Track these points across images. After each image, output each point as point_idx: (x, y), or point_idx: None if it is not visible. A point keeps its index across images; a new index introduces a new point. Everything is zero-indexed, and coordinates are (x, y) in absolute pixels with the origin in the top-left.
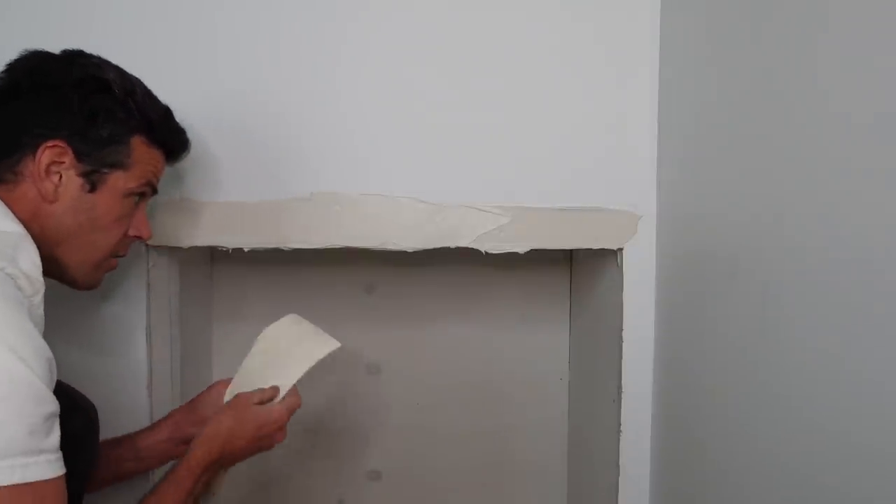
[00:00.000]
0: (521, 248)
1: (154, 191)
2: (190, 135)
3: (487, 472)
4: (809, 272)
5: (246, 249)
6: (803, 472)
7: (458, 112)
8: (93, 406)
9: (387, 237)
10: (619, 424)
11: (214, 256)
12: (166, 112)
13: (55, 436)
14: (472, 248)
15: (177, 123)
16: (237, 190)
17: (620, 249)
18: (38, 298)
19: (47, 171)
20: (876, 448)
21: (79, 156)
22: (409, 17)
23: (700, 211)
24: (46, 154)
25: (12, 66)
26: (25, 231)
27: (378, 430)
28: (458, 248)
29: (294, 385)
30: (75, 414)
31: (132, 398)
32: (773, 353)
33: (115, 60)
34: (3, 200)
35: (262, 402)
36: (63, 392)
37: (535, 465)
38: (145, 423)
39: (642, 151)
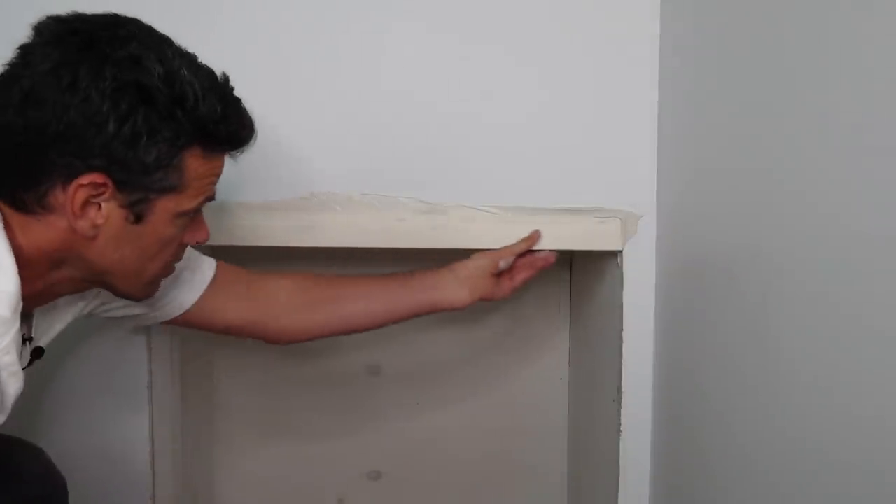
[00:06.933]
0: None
1: (212, 198)
2: None
3: (487, 472)
4: (810, 273)
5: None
6: (803, 471)
7: (457, 112)
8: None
9: (387, 237)
10: (619, 424)
11: (215, 256)
12: (224, 105)
13: None
14: (472, 249)
15: (237, 112)
16: (237, 190)
17: (620, 250)
18: (5, 343)
19: (83, 209)
20: (875, 449)
21: (120, 186)
22: (410, 17)
23: (700, 211)
24: (81, 192)
25: (28, 52)
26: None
27: (378, 430)
28: (458, 249)
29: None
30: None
31: (132, 399)
32: (774, 353)
33: None
34: (20, 229)
35: None
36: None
37: (535, 465)
38: (144, 426)
39: (642, 151)
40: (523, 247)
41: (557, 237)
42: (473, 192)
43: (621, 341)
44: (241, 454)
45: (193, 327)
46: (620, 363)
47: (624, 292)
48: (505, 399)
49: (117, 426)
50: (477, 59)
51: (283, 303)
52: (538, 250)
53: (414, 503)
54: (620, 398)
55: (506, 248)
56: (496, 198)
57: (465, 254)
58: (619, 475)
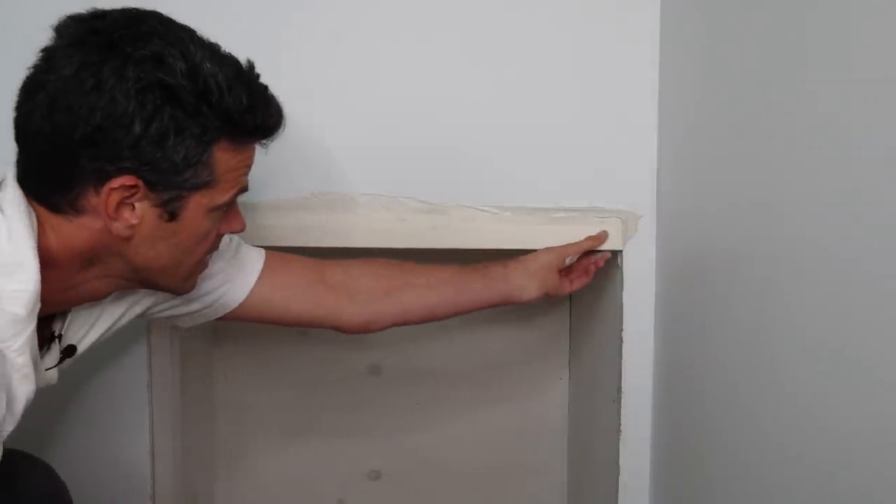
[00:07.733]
0: (521, 249)
1: (246, 189)
2: None
3: (487, 472)
4: (809, 271)
5: None
6: (804, 471)
7: (457, 112)
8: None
9: (387, 237)
10: (619, 424)
11: None
12: (250, 94)
13: None
14: (472, 249)
15: (265, 101)
16: None
17: (620, 250)
18: (19, 343)
19: (117, 210)
20: (878, 446)
21: (151, 186)
22: (408, 16)
23: (700, 210)
24: (114, 195)
25: (50, 55)
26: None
27: (378, 430)
28: (457, 249)
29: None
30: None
31: (132, 399)
32: (774, 352)
33: None
34: (54, 230)
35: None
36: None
37: (534, 464)
38: (144, 426)
39: (642, 151)
40: (589, 244)
41: (557, 237)
42: (473, 192)
43: (621, 341)
44: (240, 454)
45: (256, 321)
46: (620, 363)
47: (624, 292)
48: (505, 399)
49: (117, 426)
50: (478, 59)
51: (356, 291)
52: (595, 251)
53: (414, 503)
54: (620, 398)
55: (572, 244)
56: (496, 198)
57: (465, 254)
58: (619, 475)
